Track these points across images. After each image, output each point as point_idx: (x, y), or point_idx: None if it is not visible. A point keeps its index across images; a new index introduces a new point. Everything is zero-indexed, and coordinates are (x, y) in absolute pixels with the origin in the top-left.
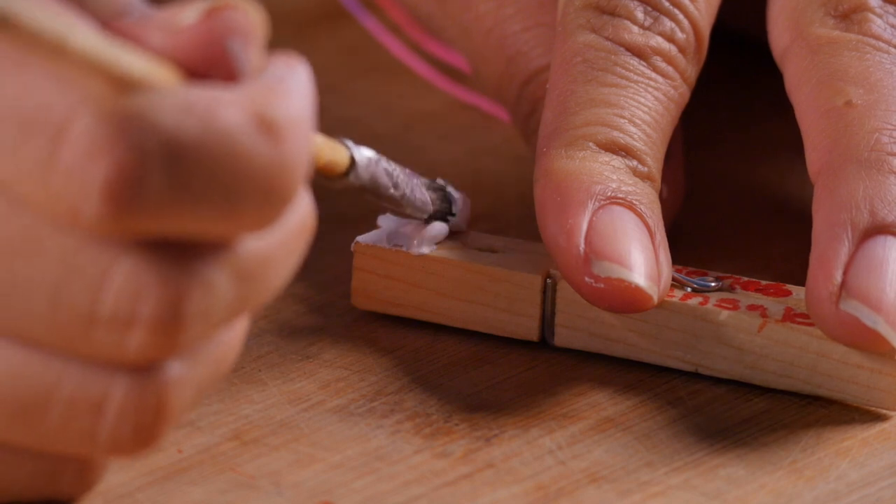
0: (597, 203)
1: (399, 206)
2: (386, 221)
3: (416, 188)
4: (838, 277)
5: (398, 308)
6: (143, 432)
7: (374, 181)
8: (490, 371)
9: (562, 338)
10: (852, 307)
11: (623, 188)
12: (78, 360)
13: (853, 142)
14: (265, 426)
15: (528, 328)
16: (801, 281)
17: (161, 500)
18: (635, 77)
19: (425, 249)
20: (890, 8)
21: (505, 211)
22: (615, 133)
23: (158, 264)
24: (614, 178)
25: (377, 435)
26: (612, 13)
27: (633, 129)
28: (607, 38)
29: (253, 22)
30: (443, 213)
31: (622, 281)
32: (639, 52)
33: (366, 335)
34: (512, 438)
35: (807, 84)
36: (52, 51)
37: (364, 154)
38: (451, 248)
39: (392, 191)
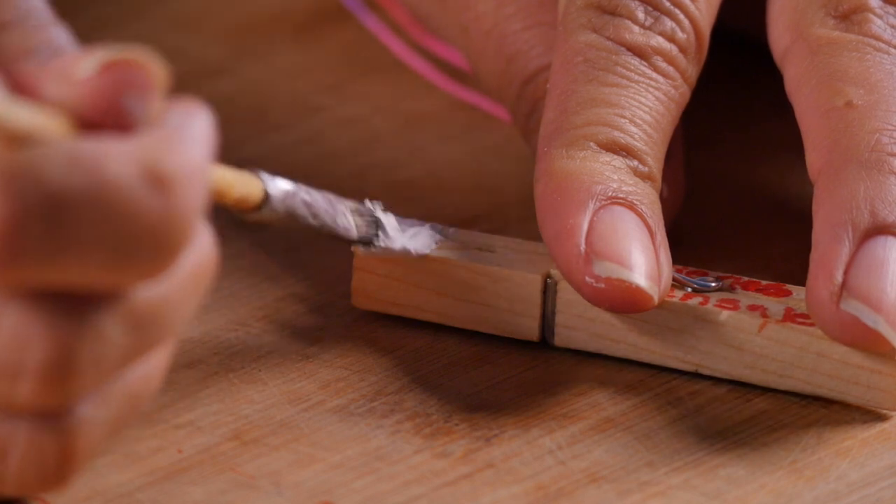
0: (597, 203)
1: (320, 234)
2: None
3: (338, 215)
4: (839, 278)
5: (398, 308)
6: (49, 475)
7: (291, 213)
8: (490, 371)
9: (562, 338)
10: (853, 307)
11: (624, 188)
12: None
13: (853, 142)
14: (265, 426)
15: (529, 328)
16: (801, 281)
17: (161, 500)
18: (636, 77)
19: (425, 249)
20: (890, 8)
21: (505, 211)
22: (616, 133)
23: (46, 314)
24: (615, 178)
25: (377, 435)
26: (613, 13)
27: (633, 129)
28: (608, 38)
29: (153, 75)
30: (368, 238)
31: (623, 281)
32: (640, 52)
33: (366, 335)
34: (512, 438)
35: (807, 84)
36: None
37: (280, 187)
38: (451, 248)
39: (311, 221)
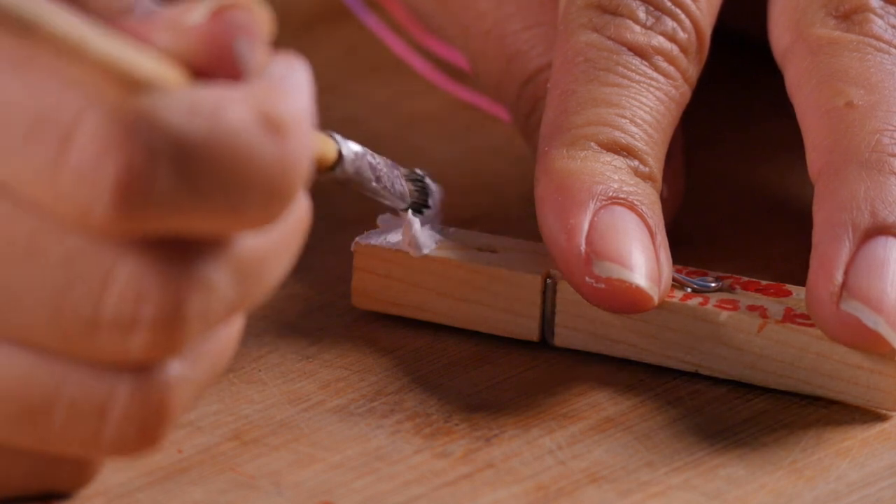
0: (598, 203)
1: (379, 196)
2: (386, 221)
3: (396, 180)
4: (839, 278)
5: (398, 308)
6: (146, 433)
7: (359, 174)
8: (490, 371)
9: (562, 338)
10: (853, 308)
11: (624, 188)
12: (81, 363)
13: (854, 143)
14: (265, 426)
15: (529, 328)
16: (801, 281)
17: (161, 500)
18: (637, 77)
19: (425, 249)
20: (891, 9)
21: (505, 211)
22: (616, 133)
23: (159, 266)
24: (615, 178)
25: (377, 435)
26: (614, 12)
27: (634, 129)
28: (609, 38)
29: (259, 21)
30: (419, 205)
31: (623, 281)
32: (640, 52)
33: (366, 335)
34: (512, 438)
35: (807, 84)
36: (61, 49)
37: (351, 148)
38: (451, 248)
39: (374, 184)
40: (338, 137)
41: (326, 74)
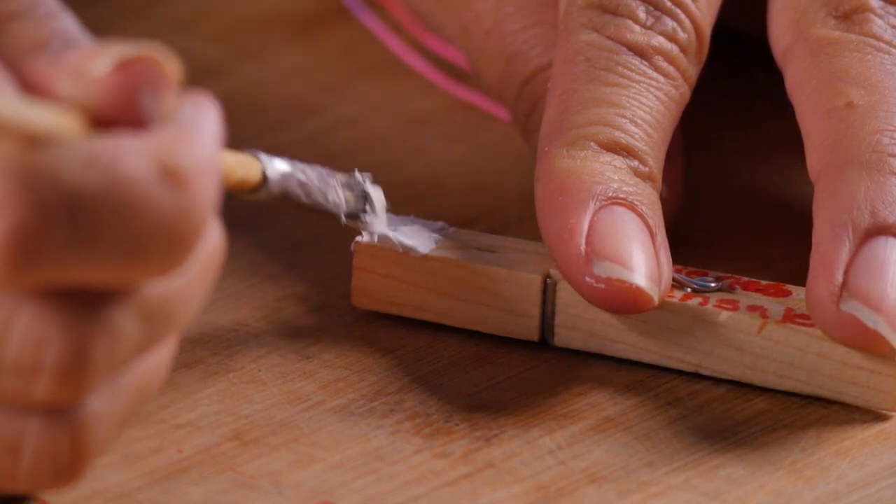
0: (598, 203)
1: (310, 211)
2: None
3: (329, 190)
4: (839, 278)
5: (398, 308)
6: (61, 470)
7: (286, 194)
8: (490, 371)
9: (562, 338)
10: (853, 308)
11: (624, 188)
12: None
13: (854, 143)
14: (265, 426)
15: (528, 328)
16: (801, 281)
17: (161, 500)
18: (637, 77)
19: (425, 249)
20: (891, 9)
21: (505, 211)
22: (617, 133)
23: (61, 312)
24: (615, 178)
25: (377, 435)
26: (614, 12)
27: (634, 129)
28: (609, 38)
29: (167, 72)
30: (356, 213)
31: (623, 281)
32: (640, 52)
33: (366, 335)
34: (512, 438)
35: (808, 85)
36: None
37: (277, 169)
38: (451, 248)
39: (303, 199)
40: (263, 158)
41: (326, 74)
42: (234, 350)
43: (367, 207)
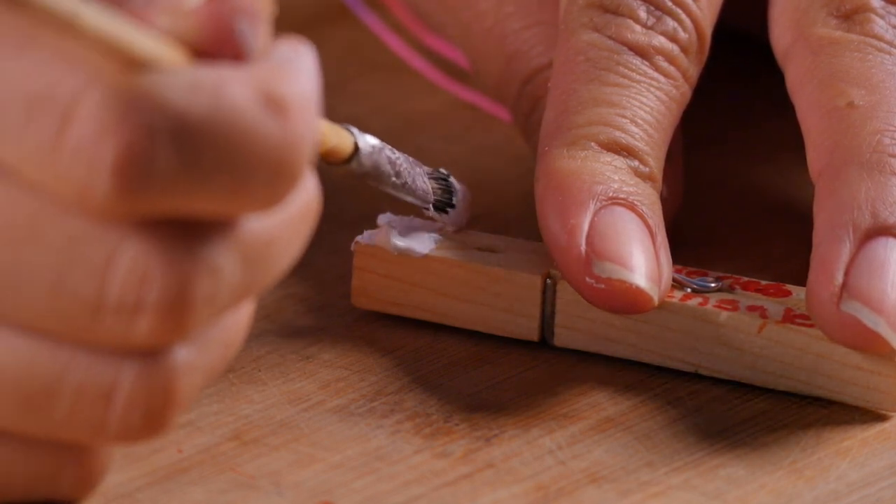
0: (598, 203)
1: (400, 193)
2: (386, 220)
3: (418, 177)
4: (839, 278)
5: (398, 308)
6: (152, 419)
7: (377, 169)
8: (490, 371)
9: (562, 338)
10: (853, 308)
11: (624, 188)
12: (85, 347)
13: (855, 143)
14: (265, 426)
15: (528, 328)
16: (801, 281)
17: (161, 500)
18: (637, 77)
19: (425, 249)
20: (892, 9)
21: (505, 210)
22: (617, 133)
23: (164, 248)
24: (616, 178)
25: (377, 435)
26: (615, 12)
27: (634, 129)
28: (610, 38)
29: (259, 3)
30: (443, 204)
31: (623, 282)
32: (641, 52)
33: (366, 335)
34: (512, 438)
35: (808, 84)
36: (62, 27)
37: (368, 141)
38: (452, 248)
39: (394, 179)
40: (354, 130)
41: (326, 74)
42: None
43: (454, 200)
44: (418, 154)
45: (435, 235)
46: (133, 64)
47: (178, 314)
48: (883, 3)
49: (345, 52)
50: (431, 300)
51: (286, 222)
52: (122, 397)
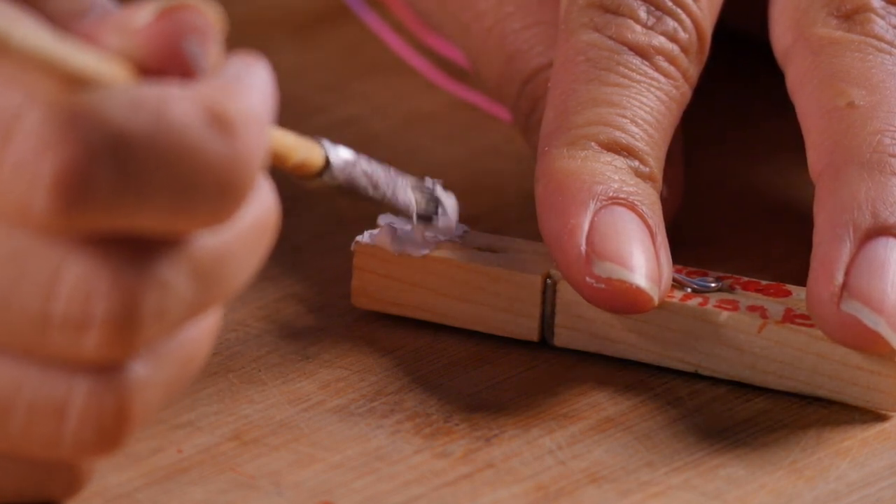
0: (598, 203)
1: (379, 206)
2: (386, 220)
3: (399, 189)
4: (840, 278)
5: (398, 308)
6: (106, 434)
7: (351, 183)
8: (490, 371)
9: (562, 338)
10: (854, 308)
11: (625, 188)
12: (37, 363)
13: (855, 143)
14: (265, 426)
15: (528, 328)
16: (801, 281)
17: (161, 500)
18: (637, 77)
19: (425, 249)
20: (892, 9)
21: (505, 211)
22: (617, 133)
23: (111, 263)
24: (616, 178)
25: (377, 435)
26: (615, 12)
27: (635, 129)
28: (610, 38)
29: (209, 21)
30: (427, 215)
31: (623, 282)
32: (641, 52)
33: (366, 335)
34: (512, 438)
35: (809, 84)
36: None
37: (341, 155)
38: (451, 248)
39: (371, 192)
40: (326, 144)
41: (326, 74)
42: (234, 350)
43: (439, 210)
44: (418, 154)
45: (434, 236)
46: (73, 82)
47: (126, 330)
48: (883, 3)
49: (344, 52)
50: (431, 300)
51: (240, 237)
52: (75, 413)
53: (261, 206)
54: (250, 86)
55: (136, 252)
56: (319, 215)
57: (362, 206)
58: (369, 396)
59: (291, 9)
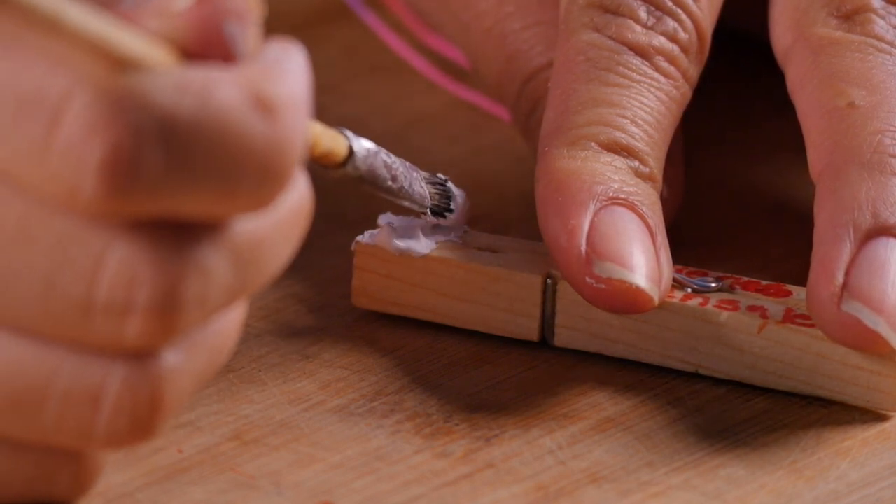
0: (598, 203)
1: (397, 198)
2: (386, 220)
3: (415, 182)
4: (840, 278)
5: (398, 308)
6: (140, 423)
7: (372, 173)
8: (490, 371)
9: (562, 338)
10: (854, 308)
11: (625, 189)
12: (74, 350)
13: (855, 143)
14: (265, 426)
15: (529, 328)
16: (800, 281)
17: (161, 500)
18: (637, 77)
19: (425, 249)
20: (892, 9)
21: (505, 211)
22: (617, 133)
23: (153, 249)
24: (616, 178)
25: (377, 435)
26: (616, 12)
27: (635, 129)
28: (610, 38)
29: (248, 5)
30: (441, 209)
31: (623, 282)
32: (641, 52)
33: (366, 335)
34: (512, 438)
35: (809, 84)
36: (48, 28)
37: (363, 145)
38: (452, 248)
39: (390, 183)
40: (349, 133)
41: (326, 74)
42: (234, 350)
43: (451, 205)
44: (418, 154)
45: (435, 235)
46: (120, 64)
47: (168, 315)
48: (883, 3)
49: (344, 52)
50: (432, 300)
51: (277, 223)
52: (110, 401)
53: (298, 194)
54: (290, 70)
55: (178, 237)
56: (319, 215)
57: (363, 205)
58: (369, 396)
59: (291, 9)
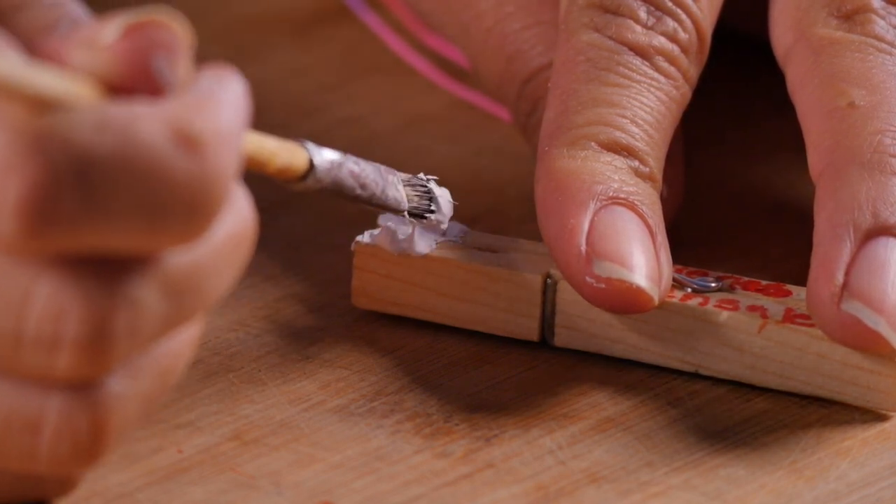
0: (598, 203)
1: (368, 205)
2: (386, 220)
3: (389, 187)
4: (840, 278)
5: (398, 308)
6: (83, 449)
7: (337, 184)
8: (490, 371)
9: (562, 338)
10: (854, 308)
11: (625, 188)
12: (12, 379)
13: (856, 143)
14: (265, 426)
15: (529, 328)
16: (801, 281)
17: (161, 500)
18: (637, 77)
19: (425, 249)
20: (893, 9)
21: (505, 211)
22: (617, 133)
23: (81, 283)
24: (616, 178)
25: (377, 435)
26: (615, 12)
27: (635, 129)
28: (610, 38)
29: (177, 37)
30: (420, 211)
31: (623, 281)
32: (641, 52)
33: (366, 335)
34: (512, 438)
35: (809, 84)
36: None
37: (326, 157)
38: (452, 248)
39: (359, 191)
40: (310, 146)
41: (326, 74)
42: (234, 350)
43: (433, 206)
44: (418, 154)
45: (435, 235)
46: (38, 105)
47: (98, 349)
48: (884, 3)
49: (344, 52)
50: (431, 300)
51: (214, 251)
52: (49, 428)
53: (235, 219)
54: (221, 101)
55: (106, 271)
56: (320, 214)
57: (363, 205)
58: (369, 396)
59: (291, 9)
